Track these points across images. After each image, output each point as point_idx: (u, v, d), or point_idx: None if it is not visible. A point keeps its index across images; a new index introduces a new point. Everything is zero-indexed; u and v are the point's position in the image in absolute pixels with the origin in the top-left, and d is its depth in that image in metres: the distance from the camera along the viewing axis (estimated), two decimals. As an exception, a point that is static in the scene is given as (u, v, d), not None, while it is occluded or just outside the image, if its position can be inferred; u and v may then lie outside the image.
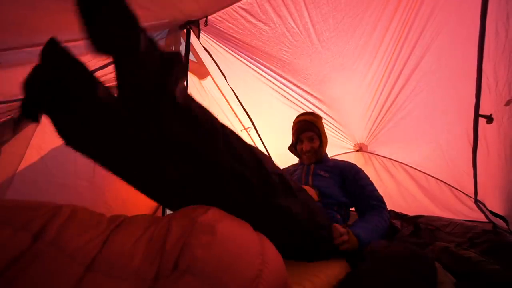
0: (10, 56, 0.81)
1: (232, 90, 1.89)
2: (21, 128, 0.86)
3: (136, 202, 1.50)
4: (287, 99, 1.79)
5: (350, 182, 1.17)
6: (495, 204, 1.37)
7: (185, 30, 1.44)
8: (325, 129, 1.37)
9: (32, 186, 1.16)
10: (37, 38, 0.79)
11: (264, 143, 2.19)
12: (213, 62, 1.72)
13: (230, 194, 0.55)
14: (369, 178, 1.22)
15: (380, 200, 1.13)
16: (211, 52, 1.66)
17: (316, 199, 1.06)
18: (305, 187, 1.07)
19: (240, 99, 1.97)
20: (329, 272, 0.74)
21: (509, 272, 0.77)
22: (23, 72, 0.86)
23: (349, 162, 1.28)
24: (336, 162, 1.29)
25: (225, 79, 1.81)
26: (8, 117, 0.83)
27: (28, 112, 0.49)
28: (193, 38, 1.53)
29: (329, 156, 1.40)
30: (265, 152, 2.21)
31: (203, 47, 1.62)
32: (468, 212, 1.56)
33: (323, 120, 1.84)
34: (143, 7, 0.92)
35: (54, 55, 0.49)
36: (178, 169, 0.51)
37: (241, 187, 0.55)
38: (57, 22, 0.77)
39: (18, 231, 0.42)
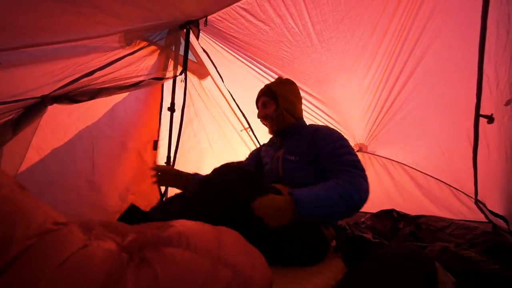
0: (10, 56, 0.80)
1: (229, 92, 1.89)
2: (21, 128, 0.86)
3: (136, 201, 1.51)
4: (287, 99, 1.79)
5: (320, 152, 0.93)
6: (495, 204, 1.37)
7: (184, 30, 1.44)
8: (290, 93, 1.11)
9: (34, 187, 1.16)
10: (38, 38, 0.79)
11: (261, 144, 2.19)
12: (211, 63, 1.72)
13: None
14: (343, 139, 0.95)
15: (351, 164, 0.86)
16: (210, 53, 1.66)
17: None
18: (278, 185, 0.92)
19: (239, 100, 1.96)
20: (327, 274, 0.76)
21: (508, 272, 0.77)
22: (23, 72, 0.86)
23: (323, 127, 1.02)
24: (308, 130, 1.02)
25: (222, 81, 1.81)
26: (9, 117, 0.84)
27: None
28: (193, 38, 1.53)
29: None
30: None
31: (202, 48, 1.62)
32: (467, 213, 1.56)
33: (320, 114, 1.84)
34: (144, 7, 0.92)
35: None
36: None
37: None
38: (58, 23, 0.77)
39: None
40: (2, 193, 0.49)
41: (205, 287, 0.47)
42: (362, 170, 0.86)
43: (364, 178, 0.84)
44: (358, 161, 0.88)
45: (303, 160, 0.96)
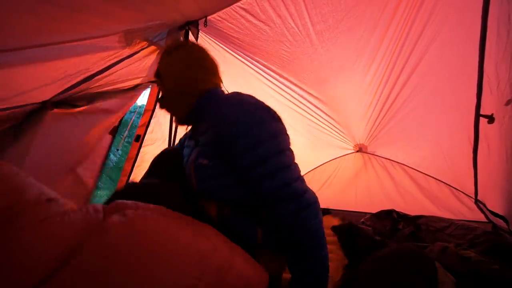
0: (9, 57, 0.80)
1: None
2: (23, 134, 0.85)
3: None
4: (287, 99, 1.79)
5: (235, 159, 0.65)
6: (495, 204, 1.37)
7: (184, 31, 1.44)
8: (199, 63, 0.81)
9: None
10: (37, 39, 0.79)
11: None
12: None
13: None
14: (269, 133, 0.64)
15: (288, 195, 0.60)
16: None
17: (214, 214, 0.67)
18: (205, 203, 0.69)
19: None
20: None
21: (508, 272, 0.77)
22: (23, 73, 0.86)
23: (227, 108, 0.70)
24: (217, 111, 0.70)
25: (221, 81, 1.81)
26: (9, 124, 0.83)
27: None
28: (192, 38, 1.53)
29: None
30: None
31: (202, 48, 1.61)
32: (467, 213, 1.56)
33: (320, 119, 1.84)
34: (143, 11, 0.92)
35: None
36: None
37: None
38: (58, 26, 0.77)
39: None
40: None
41: (188, 249, 0.48)
42: (302, 192, 0.61)
43: (306, 200, 0.61)
44: (291, 174, 0.63)
45: (219, 163, 0.67)
